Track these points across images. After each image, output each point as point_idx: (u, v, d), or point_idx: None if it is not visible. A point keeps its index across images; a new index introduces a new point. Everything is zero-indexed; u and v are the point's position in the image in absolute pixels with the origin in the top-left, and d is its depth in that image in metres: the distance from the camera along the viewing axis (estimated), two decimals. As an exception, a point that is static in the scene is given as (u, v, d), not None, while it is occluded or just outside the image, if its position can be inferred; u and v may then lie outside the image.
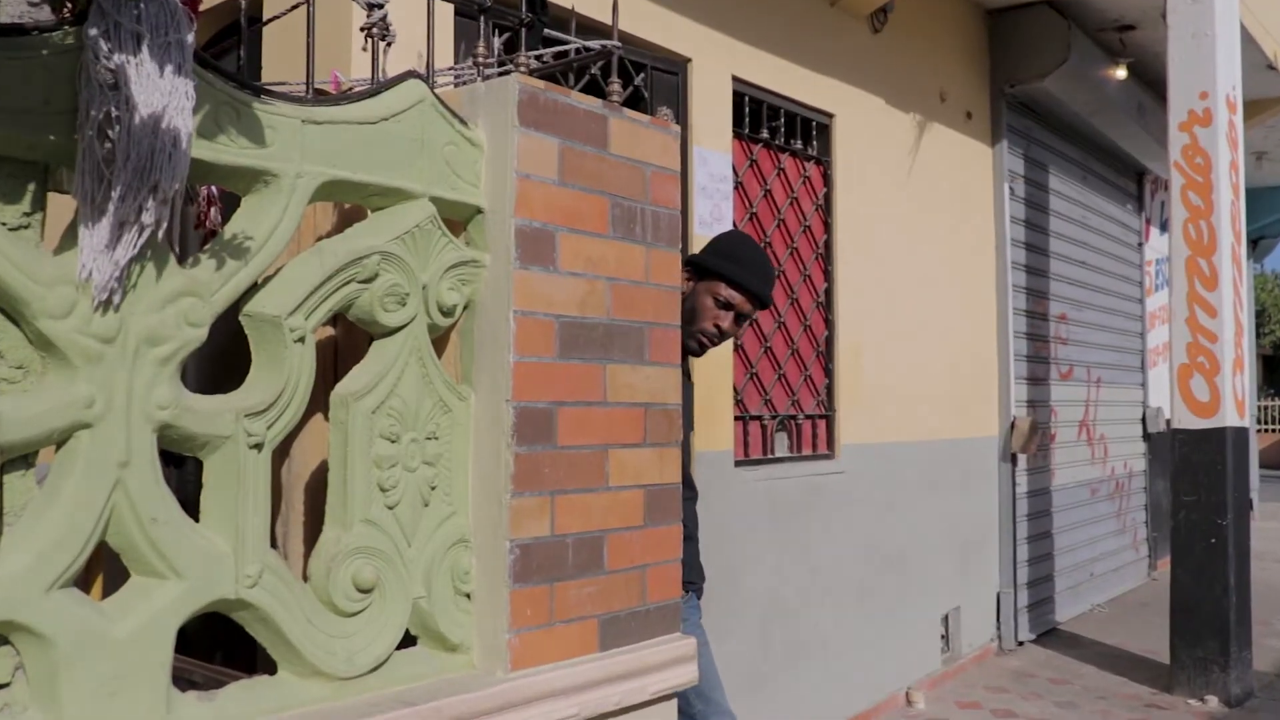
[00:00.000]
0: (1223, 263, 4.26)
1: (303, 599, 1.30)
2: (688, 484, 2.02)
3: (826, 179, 3.92)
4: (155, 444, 1.18)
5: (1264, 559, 7.13)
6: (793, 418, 3.75)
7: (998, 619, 4.97)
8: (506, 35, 1.96)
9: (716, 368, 3.24)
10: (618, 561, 1.57)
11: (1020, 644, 5.05)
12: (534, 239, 1.48)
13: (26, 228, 1.12)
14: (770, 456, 3.63)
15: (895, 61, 4.28)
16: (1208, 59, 4.31)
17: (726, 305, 2.12)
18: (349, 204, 1.53)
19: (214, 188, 1.69)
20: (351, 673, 1.33)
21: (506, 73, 1.59)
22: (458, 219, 1.50)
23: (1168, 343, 4.45)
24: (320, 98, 1.41)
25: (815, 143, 3.86)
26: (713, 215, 3.26)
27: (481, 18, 1.63)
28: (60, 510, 1.11)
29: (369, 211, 1.45)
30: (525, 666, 1.43)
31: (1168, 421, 4.59)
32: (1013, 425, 5.04)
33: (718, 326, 2.12)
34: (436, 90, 1.48)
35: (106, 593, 1.27)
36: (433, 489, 1.45)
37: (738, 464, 3.41)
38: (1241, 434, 4.29)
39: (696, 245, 3.00)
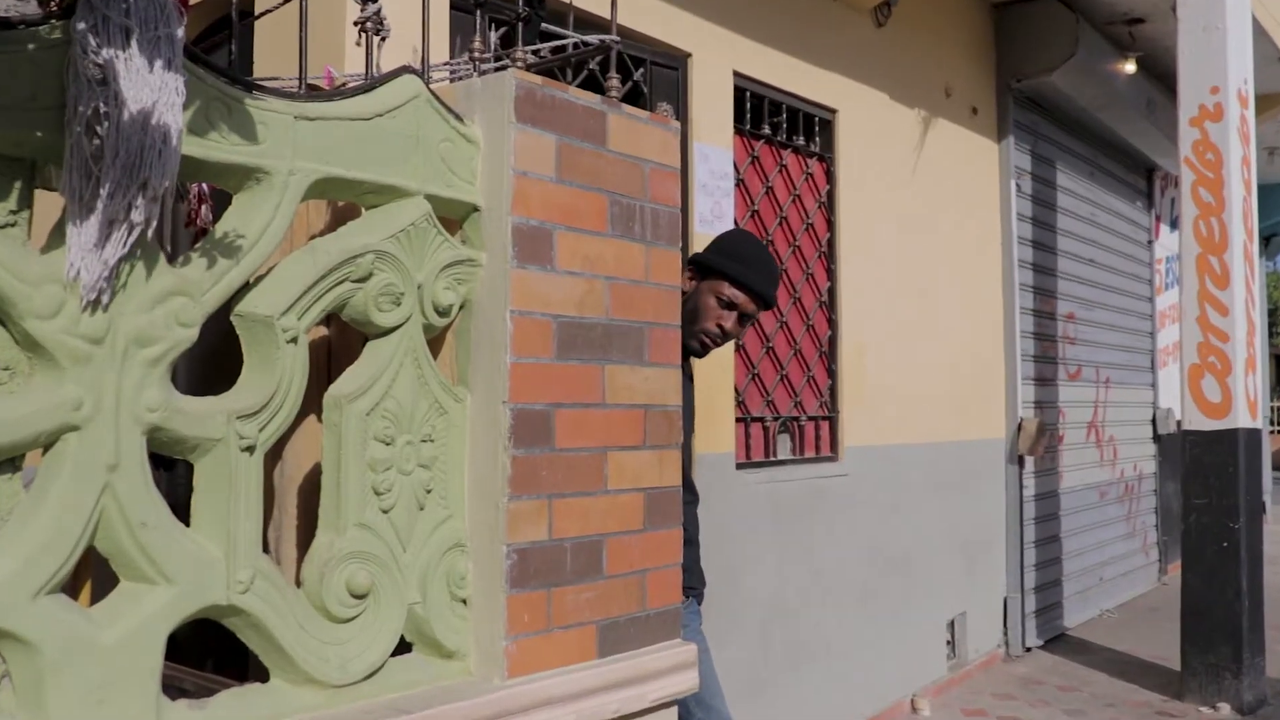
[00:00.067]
0: (1234, 260, 4.22)
1: (295, 605, 1.29)
2: (688, 487, 2.00)
3: (829, 176, 3.89)
4: (145, 446, 1.17)
5: (1277, 563, 7.07)
6: (795, 419, 3.72)
7: (1004, 624, 4.93)
8: (503, 29, 1.94)
9: (718, 368, 3.21)
10: (617, 566, 1.55)
11: (1028, 650, 5.01)
12: (531, 237, 1.46)
13: (13, 226, 1.11)
14: (772, 459, 3.60)
15: (899, 56, 4.25)
16: (1219, 52, 4.26)
17: (730, 305, 2.10)
18: (342, 202, 1.52)
19: (205, 185, 1.68)
20: (345, 680, 1.31)
21: (503, 68, 1.57)
22: (453, 217, 1.49)
23: (1178, 342, 4.42)
24: (313, 93, 1.40)
25: (818, 139, 3.83)
26: (713, 213, 3.23)
27: (478, 11, 1.61)
28: (47, 514, 1.10)
29: (363, 209, 1.43)
30: (523, 673, 1.42)
31: (1178, 423, 4.55)
32: (1020, 426, 5.00)
33: (720, 327, 2.10)
34: (432, 86, 1.47)
35: (95, 599, 1.26)
36: (428, 492, 1.43)
37: (739, 466, 3.39)
38: (1254, 435, 4.24)
39: (697, 243, 2.98)
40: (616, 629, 1.55)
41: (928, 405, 4.38)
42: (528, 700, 1.40)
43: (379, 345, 1.40)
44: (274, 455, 1.51)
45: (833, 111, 3.88)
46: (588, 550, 1.51)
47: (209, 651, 1.58)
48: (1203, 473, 4.20)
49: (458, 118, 1.47)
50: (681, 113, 3.18)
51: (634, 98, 2.99)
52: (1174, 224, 7.04)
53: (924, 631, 4.30)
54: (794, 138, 3.73)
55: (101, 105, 1.08)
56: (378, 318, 1.38)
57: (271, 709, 1.25)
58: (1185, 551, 4.28)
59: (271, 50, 2.23)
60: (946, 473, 4.48)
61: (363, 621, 1.35)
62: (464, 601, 1.45)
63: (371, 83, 1.39)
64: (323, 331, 1.57)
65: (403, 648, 1.41)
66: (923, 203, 4.41)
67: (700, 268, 2.14)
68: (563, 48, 1.70)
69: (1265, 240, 10.60)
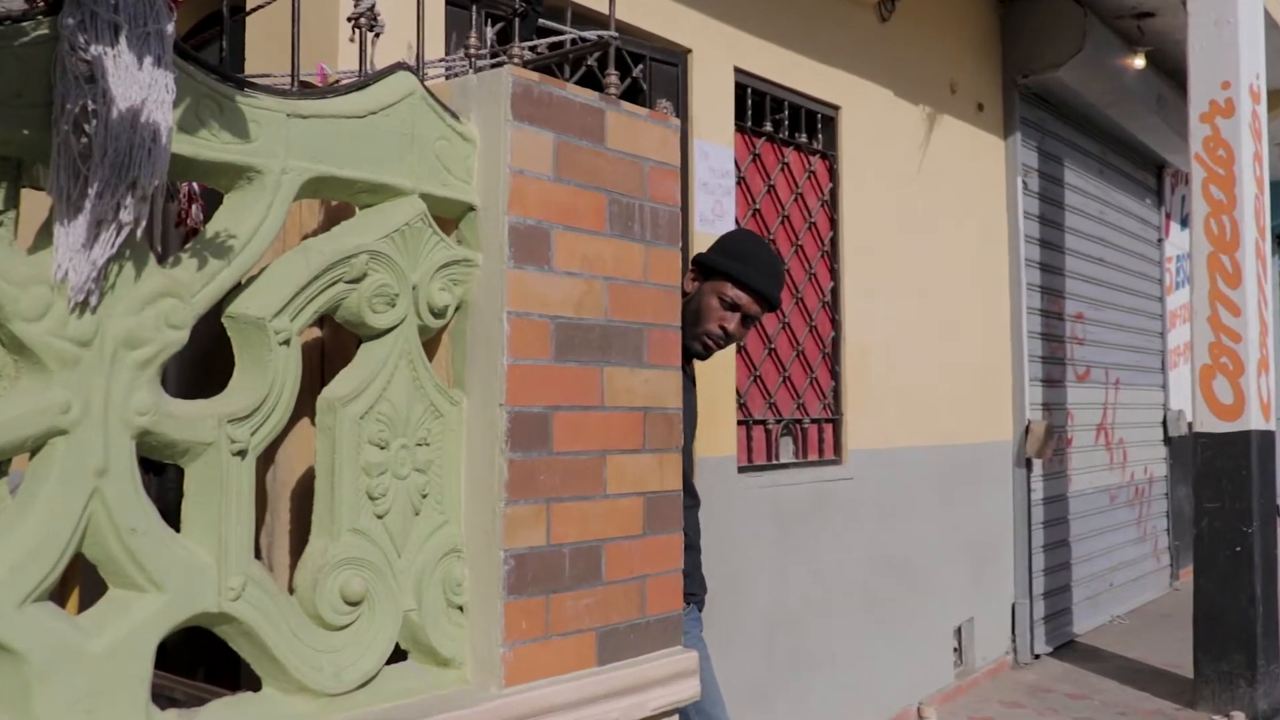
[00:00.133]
0: (1246, 259, 4.17)
1: (288, 612, 1.27)
2: (689, 491, 1.98)
3: (832, 173, 3.86)
4: (134, 451, 1.16)
5: (1288, 564, 7.01)
6: (798, 422, 3.69)
7: (1013, 631, 4.88)
8: (499, 25, 1.92)
9: (719, 370, 3.18)
10: (616, 572, 1.53)
11: (1036, 657, 4.95)
12: (528, 237, 1.44)
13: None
14: (775, 462, 3.57)
15: (903, 51, 4.22)
16: (1230, 47, 4.22)
17: (733, 306, 2.07)
18: (336, 201, 1.51)
19: (195, 184, 1.66)
20: (339, 689, 1.30)
21: (500, 64, 1.56)
22: (449, 217, 1.47)
23: (1189, 342, 4.37)
24: (306, 91, 1.38)
25: (820, 136, 3.80)
26: (714, 211, 3.20)
27: (474, 7, 1.60)
28: (35, 520, 1.09)
29: (357, 209, 1.42)
30: (520, 681, 1.40)
31: (1190, 424, 4.51)
32: (1027, 429, 4.96)
33: (723, 328, 2.08)
34: (427, 83, 1.46)
35: (83, 606, 1.25)
36: (424, 497, 1.41)
37: (741, 470, 3.36)
38: (1267, 437, 4.20)
39: (697, 243, 2.95)
40: (616, 636, 1.53)
41: (934, 407, 4.34)
42: (526, 709, 1.38)
43: (373, 347, 1.38)
44: (266, 459, 1.50)
45: (836, 108, 3.84)
46: (587, 555, 1.49)
47: (200, 660, 1.57)
48: (1215, 476, 4.15)
49: (453, 115, 1.45)
50: (681, 110, 3.15)
51: (633, 94, 2.96)
52: (1184, 222, 6.99)
53: (930, 638, 4.26)
54: (796, 135, 3.70)
55: (90, 102, 1.07)
56: (372, 319, 1.36)
57: (263, 718, 1.24)
58: (1197, 556, 4.23)
59: (263, 47, 2.22)
60: (953, 476, 4.45)
61: (357, 629, 1.33)
62: (460, 608, 1.43)
63: (365, 80, 1.38)
64: (316, 333, 1.56)
65: (398, 656, 1.40)
66: (928, 201, 4.37)
67: (703, 268, 2.12)
68: (560, 44, 1.68)
69: (1278, 238, 10.52)
